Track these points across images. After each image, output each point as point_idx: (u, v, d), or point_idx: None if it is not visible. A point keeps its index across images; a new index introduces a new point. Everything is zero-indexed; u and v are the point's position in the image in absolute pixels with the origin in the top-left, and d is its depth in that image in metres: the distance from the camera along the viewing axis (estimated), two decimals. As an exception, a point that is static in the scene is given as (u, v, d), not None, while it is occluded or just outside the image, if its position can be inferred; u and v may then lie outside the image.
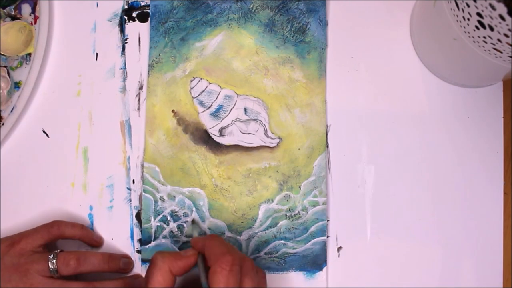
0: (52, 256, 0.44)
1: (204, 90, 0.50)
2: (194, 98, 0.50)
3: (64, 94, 0.51)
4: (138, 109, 0.51)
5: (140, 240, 0.49)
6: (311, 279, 0.48)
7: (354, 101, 0.50)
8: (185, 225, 0.49)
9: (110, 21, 0.52)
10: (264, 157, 0.49)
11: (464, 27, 0.40)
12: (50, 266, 0.43)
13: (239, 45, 0.51)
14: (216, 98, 0.50)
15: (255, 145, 0.50)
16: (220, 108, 0.50)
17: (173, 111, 0.50)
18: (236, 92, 0.50)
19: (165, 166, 0.49)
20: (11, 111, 0.49)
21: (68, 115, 0.51)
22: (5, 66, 0.50)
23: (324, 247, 0.48)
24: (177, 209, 0.49)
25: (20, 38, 0.49)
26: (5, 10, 0.51)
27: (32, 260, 0.43)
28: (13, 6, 0.51)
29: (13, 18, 0.51)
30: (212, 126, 0.50)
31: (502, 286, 0.48)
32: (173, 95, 0.50)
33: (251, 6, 0.51)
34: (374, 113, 0.50)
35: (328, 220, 0.49)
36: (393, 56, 0.51)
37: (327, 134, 0.50)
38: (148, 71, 0.51)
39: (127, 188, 0.50)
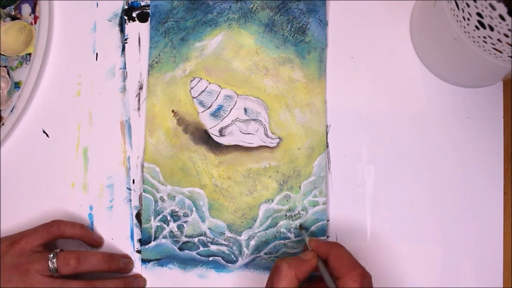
0: (52, 255, 0.44)
1: (204, 90, 0.50)
2: (194, 98, 0.50)
3: (64, 94, 0.51)
4: (138, 109, 0.51)
5: (140, 240, 0.49)
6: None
7: (354, 101, 0.50)
8: (185, 225, 0.49)
9: (110, 21, 0.52)
10: (264, 157, 0.49)
11: (464, 27, 0.40)
12: (50, 266, 0.43)
13: (239, 45, 0.51)
14: (216, 98, 0.50)
15: (255, 145, 0.50)
16: (220, 108, 0.50)
17: (173, 111, 0.50)
18: (236, 92, 0.50)
19: (165, 166, 0.49)
20: (11, 111, 0.49)
21: (68, 115, 0.51)
22: (5, 66, 0.50)
23: (324, 247, 0.48)
24: (177, 209, 0.49)
25: (20, 38, 0.49)
26: (5, 10, 0.51)
27: (32, 259, 0.43)
28: (13, 6, 0.51)
29: (13, 18, 0.51)
30: (212, 126, 0.50)
31: (502, 286, 0.48)
32: (173, 95, 0.50)
33: (251, 6, 0.51)
34: (374, 113, 0.50)
35: (328, 220, 0.49)
36: (393, 56, 0.51)
37: (327, 134, 0.50)
38: (148, 71, 0.51)
39: (127, 188, 0.50)
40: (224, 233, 0.49)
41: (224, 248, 0.48)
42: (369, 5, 0.51)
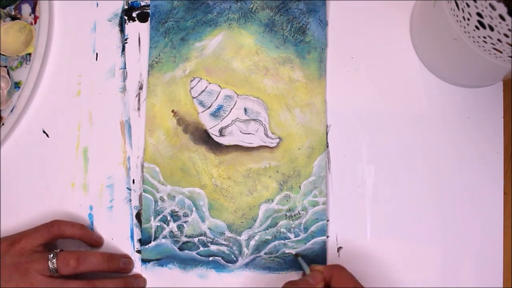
0: (52, 255, 0.44)
1: (204, 90, 0.50)
2: (194, 98, 0.50)
3: (64, 94, 0.51)
4: (138, 109, 0.51)
5: (140, 240, 0.49)
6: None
7: (354, 101, 0.50)
8: (185, 225, 0.49)
9: (110, 21, 0.52)
10: (264, 157, 0.49)
11: (464, 27, 0.40)
12: (50, 266, 0.43)
13: (239, 45, 0.51)
14: (216, 98, 0.50)
15: (255, 145, 0.50)
16: (220, 108, 0.50)
17: (173, 111, 0.50)
18: (236, 92, 0.50)
19: (165, 166, 0.49)
20: (11, 111, 0.49)
21: (68, 115, 0.51)
22: (5, 66, 0.50)
23: (324, 247, 0.48)
24: (177, 209, 0.49)
25: (20, 38, 0.49)
26: (5, 10, 0.51)
27: (32, 259, 0.43)
28: (13, 6, 0.51)
29: (13, 18, 0.51)
30: (212, 126, 0.50)
31: (502, 286, 0.48)
32: (173, 95, 0.50)
33: (251, 6, 0.51)
34: (374, 113, 0.50)
35: (328, 220, 0.49)
36: (393, 56, 0.51)
37: (327, 134, 0.50)
38: (148, 71, 0.51)
39: (127, 188, 0.50)
40: (224, 233, 0.49)
41: (224, 248, 0.48)
42: (369, 5, 0.51)
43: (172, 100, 0.50)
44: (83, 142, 0.50)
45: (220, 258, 0.48)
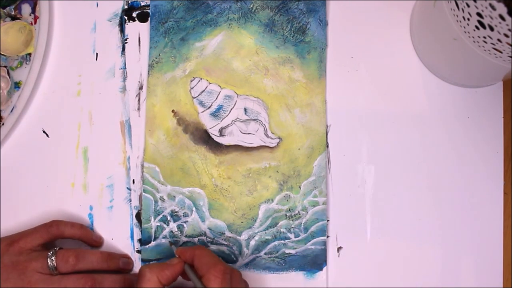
0: (51, 253, 0.44)
1: (204, 90, 0.50)
2: (194, 98, 0.50)
3: (64, 94, 0.51)
4: (138, 109, 0.51)
5: (140, 240, 0.49)
6: (311, 279, 0.48)
7: (354, 101, 0.50)
8: (185, 225, 0.49)
9: (110, 21, 0.52)
10: (264, 157, 0.49)
11: (464, 27, 0.40)
12: (49, 263, 0.43)
13: (239, 45, 0.51)
14: (216, 98, 0.50)
15: (255, 145, 0.50)
16: (220, 108, 0.50)
17: (173, 111, 0.50)
18: (236, 92, 0.50)
19: (165, 166, 0.49)
20: (11, 111, 0.49)
21: (68, 115, 0.51)
22: (5, 66, 0.50)
23: (324, 247, 0.48)
24: (177, 209, 0.49)
25: (20, 38, 0.49)
26: (5, 10, 0.51)
27: (31, 258, 0.43)
28: (13, 6, 0.51)
29: (13, 18, 0.51)
30: (212, 126, 0.50)
31: (502, 286, 0.48)
32: (173, 95, 0.50)
33: (251, 6, 0.51)
34: (374, 113, 0.50)
35: (328, 220, 0.49)
36: (393, 56, 0.51)
37: (327, 134, 0.50)
38: (148, 71, 0.51)
39: (127, 188, 0.50)
40: (224, 233, 0.49)
41: (224, 248, 0.48)
42: (369, 5, 0.51)
43: (172, 100, 0.50)
44: (83, 142, 0.50)
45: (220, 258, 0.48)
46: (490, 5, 0.35)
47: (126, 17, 0.52)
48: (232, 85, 0.50)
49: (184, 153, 0.49)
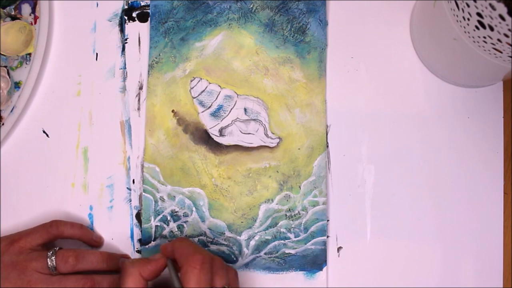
0: (51, 253, 0.44)
1: (204, 90, 0.50)
2: (194, 98, 0.50)
3: (64, 94, 0.51)
4: (138, 109, 0.51)
5: (140, 240, 0.49)
6: (311, 279, 0.48)
7: (354, 101, 0.50)
8: (185, 225, 0.49)
9: (110, 21, 0.52)
10: (264, 157, 0.49)
11: (464, 27, 0.40)
12: (49, 263, 0.43)
13: (239, 45, 0.51)
14: (216, 98, 0.50)
15: (255, 145, 0.50)
16: (220, 108, 0.50)
17: (173, 111, 0.50)
18: (236, 92, 0.50)
19: (165, 166, 0.49)
20: (11, 111, 0.49)
21: (68, 115, 0.51)
22: (5, 66, 0.50)
23: (324, 247, 0.48)
24: (177, 209, 0.49)
25: (20, 38, 0.49)
26: (5, 10, 0.51)
27: (30, 257, 0.43)
28: (13, 6, 0.51)
29: (13, 18, 0.51)
30: (212, 126, 0.50)
31: (502, 286, 0.48)
32: (173, 95, 0.50)
33: (251, 6, 0.51)
34: (374, 113, 0.50)
35: (328, 220, 0.49)
36: (393, 56, 0.51)
37: (327, 134, 0.50)
38: (148, 71, 0.51)
39: (127, 188, 0.50)
40: (224, 233, 0.49)
41: (224, 248, 0.48)
42: (369, 5, 0.51)
43: (172, 100, 0.50)
44: (83, 142, 0.50)
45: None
46: (490, 5, 0.35)
47: (126, 17, 0.52)
48: (232, 85, 0.50)
49: (184, 153, 0.49)
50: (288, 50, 0.50)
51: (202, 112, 0.50)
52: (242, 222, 0.49)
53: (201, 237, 0.49)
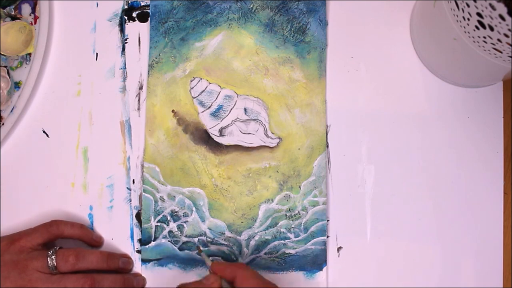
0: (51, 252, 0.44)
1: (204, 90, 0.50)
2: (194, 98, 0.50)
3: (64, 94, 0.51)
4: (138, 109, 0.51)
5: (140, 240, 0.49)
6: (311, 279, 0.48)
7: (354, 101, 0.50)
8: (185, 225, 0.49)
9: (110, 21, 0.52)
10: (264, 157, 0.49)
11: (464, 27, 0.40)
12: (49, 262, 0.43)
13: (239, 45, 0.51)
14: (216, 98, 0.50)
15: (255, 145, 0.50)
16: (220, 108, 0.50)
17: (173, 111, 0.50)
18: (236, 92, 0.50)
19: (165, 166, 0.49)
20: (11, 111, 0.49)
21: (68, 115, 0.51)
22: (5, 66, 0.50)
23: (324, 247, 0.48)
24: (177, 209, 0.49)
25: (20, 38, 0.49)
26: (5, 10, 0.51)
27: (31, 256, 0.43)
28: (13, 6, 0.51)
29: (13, 18, 0.51)
30: (212, 126, 0.50)
31: (502, 286, 0.48)
32: (173, 95, 0.50)
33: (251, 6, 0.51)
34: (374, 113, 0.50)
35: (328, 220, 0.49)
36: (393, 56, 0.51)
37: (327, 134, 0.50)
38: (148, 71, 0.51)
39: (127, 188, 0.50)
40: (224, 233, 0.49)
41: (224, 248, 0.48)
42: (369, 5, 0.51)
43: (172, 100, 0.50)
44: (83, 142, 0.50)
45: (220, 258, 0.48)
46: (490, 5, 0.35)
47: (126, 17, 0.52)
48: (232, 85, 0.50)
49: (184, 153, 0.49)
50: (288, 50, 0.50)
51: (202, 112, 0.50)
52: (242, 222, 0.49)
53: (201, 237, 0.49)
